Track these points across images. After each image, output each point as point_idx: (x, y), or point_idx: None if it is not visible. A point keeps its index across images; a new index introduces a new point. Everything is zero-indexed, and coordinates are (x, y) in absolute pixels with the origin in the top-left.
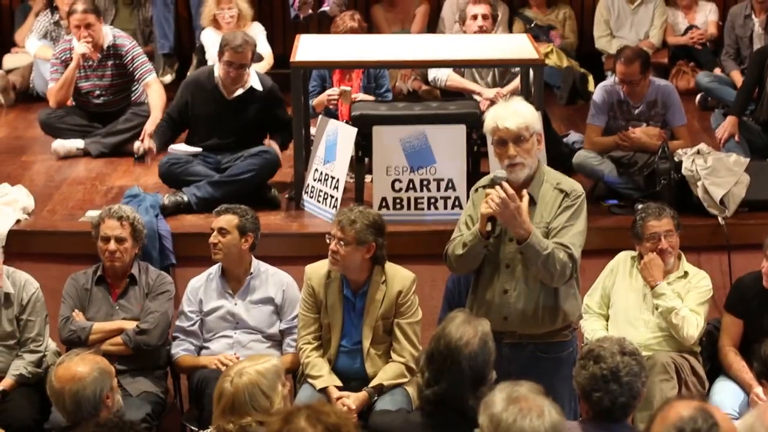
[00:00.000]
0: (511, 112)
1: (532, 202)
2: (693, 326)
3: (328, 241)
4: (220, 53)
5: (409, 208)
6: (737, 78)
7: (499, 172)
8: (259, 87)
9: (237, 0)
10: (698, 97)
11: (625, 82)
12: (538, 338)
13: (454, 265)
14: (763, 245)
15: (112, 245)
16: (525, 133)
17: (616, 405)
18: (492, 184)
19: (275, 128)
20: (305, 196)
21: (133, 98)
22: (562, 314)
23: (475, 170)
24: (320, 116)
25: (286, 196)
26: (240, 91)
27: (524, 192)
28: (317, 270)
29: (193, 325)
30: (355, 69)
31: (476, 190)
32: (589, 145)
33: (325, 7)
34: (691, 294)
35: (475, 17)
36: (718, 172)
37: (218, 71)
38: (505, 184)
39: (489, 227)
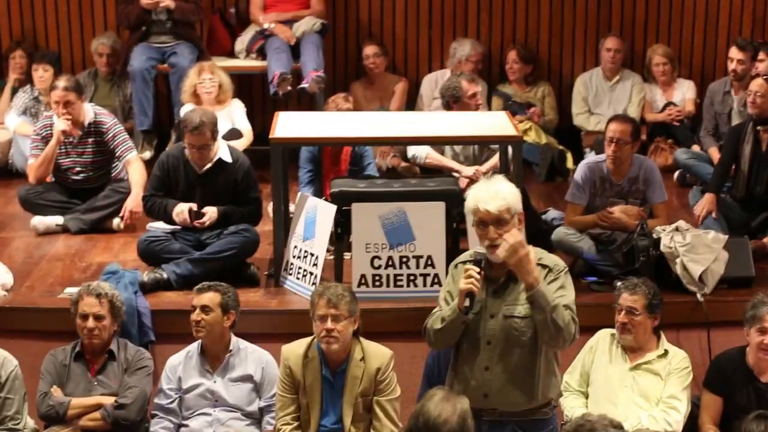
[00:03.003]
0: (492, 194)
1: (515, 280)
2: (676, 420)
3: (318, 323)
4: (182, 134)
5: (388, 285)
6: (715, 155)
7: (480, 247)
8: (228, 158)
9: (219, 72)
10: (676, 173)
11: (614, 141)
12: (519, 415)
13: (432, 339)
14: (755, 317)
15: (91, 322)
16: (506, 215)
17: None
18: (471, 260)
19: (241, 202)
20: (284, 273)
21: (112, 174)
22: (543, 391)
23: (454, 247)
24: (299, 193)
25: (266, 273)
26: (209, 165)
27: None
28: (294, 350)
29: (171, 402)
30: (343, 147)
31: (456, 265)
32: (568, 224)
33: (304, 84)
34: (671, 378)
35: (474, 95)
36: (696, 249)
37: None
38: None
39: (467, 303)
